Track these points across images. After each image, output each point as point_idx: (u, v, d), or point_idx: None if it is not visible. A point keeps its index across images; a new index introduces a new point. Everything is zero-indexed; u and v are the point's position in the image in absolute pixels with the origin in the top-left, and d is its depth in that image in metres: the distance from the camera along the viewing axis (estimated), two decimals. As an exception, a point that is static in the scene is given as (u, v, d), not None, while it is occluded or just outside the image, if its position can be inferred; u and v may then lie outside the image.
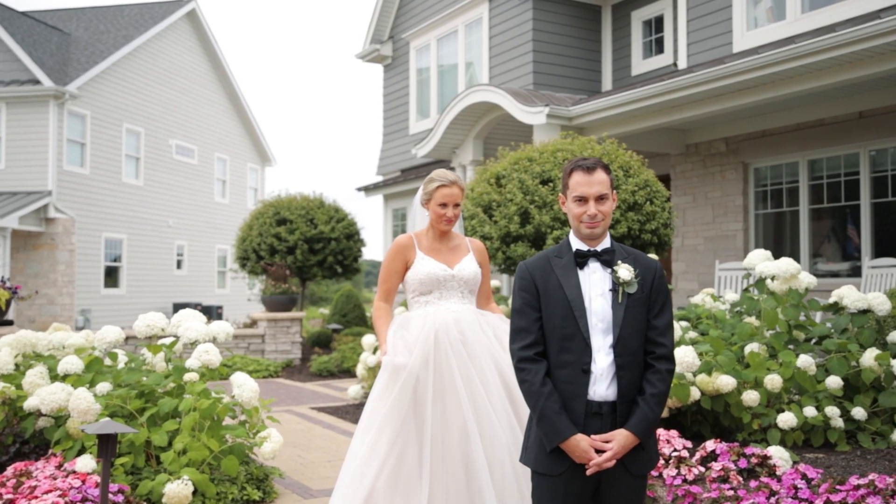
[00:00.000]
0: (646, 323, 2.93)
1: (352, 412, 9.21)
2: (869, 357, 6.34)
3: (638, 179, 8.44)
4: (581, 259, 3.00)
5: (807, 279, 6.89)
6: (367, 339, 9.89)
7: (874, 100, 10.35)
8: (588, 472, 2.86)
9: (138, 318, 5.99)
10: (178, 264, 27.03)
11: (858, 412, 6.19)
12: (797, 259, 11.24)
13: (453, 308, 4.03)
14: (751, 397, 6.07)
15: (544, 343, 2.97)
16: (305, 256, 15.50)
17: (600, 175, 3.00)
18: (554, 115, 11.43)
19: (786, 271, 6.76)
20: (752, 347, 6.54)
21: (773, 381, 6.14)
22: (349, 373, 12.53)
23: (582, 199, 2.99)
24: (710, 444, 5.72)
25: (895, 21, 7.94)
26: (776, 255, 11.84)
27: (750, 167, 12.12)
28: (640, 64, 14.40)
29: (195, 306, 24.88)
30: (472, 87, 12.85)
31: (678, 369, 6.20)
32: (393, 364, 3.81)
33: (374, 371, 9.64)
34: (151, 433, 5.36)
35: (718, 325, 7.01)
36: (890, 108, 10.21)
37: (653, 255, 7.71)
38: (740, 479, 5.35)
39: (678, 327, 6.74)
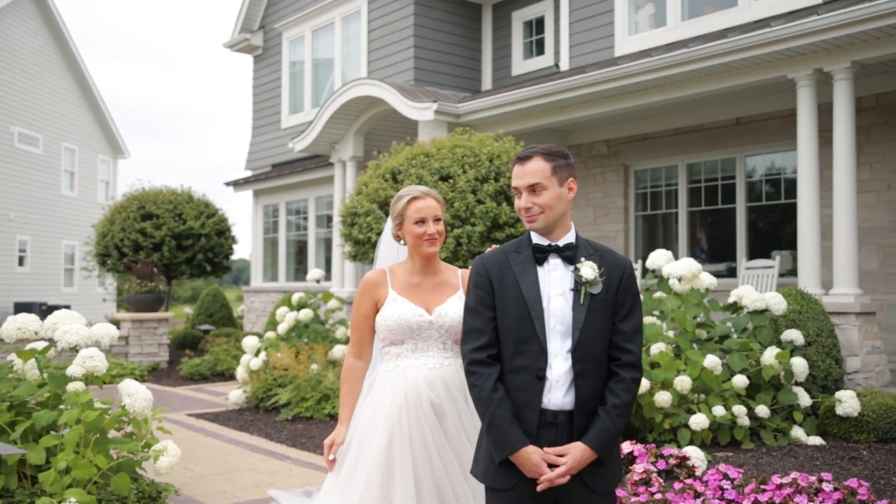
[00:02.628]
0: (611, 327, 2.65)
1: (234, 418, 8.66)
2: (769, 355, 6.46)
3: (536, 178, 8.34)
4: (540, 254, 2.71)
5: (707, 279, 6.98)
6: (249, 341, 9.35)
7: (750, 107, 10.72)
8: (538, 488, 2.60)
9: (6, 321, 5.32)
10: (21, 261, 25.12)
11: (762, 410, 6.29)
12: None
13: (430, 364, 3.24)
14: (663, 398, 6.05)
15: (499, 345, 2.70)
16: (173, 253, 14.62)
17: (534, 164, 2.70)
18: (442, 111, 11.22)
19: (689, 271, 6.81)
20: (659, 347, 6.53)
21: (683, 382, 6.14)
22: (223, 376, 11.88)
23: (517, 191, 2.75)
24: (627, 446, 5.64)
25: (771, 33, 8.17)
26: (656, 256, 12.12)
27: (630, 169, 12.34)
28: (521, 64, 14.42)
29: (40, 306, 23.16)
30: (356, 80, 12.47)
31: (593, 370, 6.09)
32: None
33: (256, 374, 9.13)
34: (27, 450, 4.72)
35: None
36: (765, 115, 10.61)
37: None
38: (661, 480, 5.29)
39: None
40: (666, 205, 11.93)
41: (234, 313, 18.27)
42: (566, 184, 2.72)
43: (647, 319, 6.95)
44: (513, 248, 2.78)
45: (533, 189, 2.69)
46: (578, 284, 2.65)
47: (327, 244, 16.13)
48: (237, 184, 17.69)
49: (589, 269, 2.65)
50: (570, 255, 2.70)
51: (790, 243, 10.60)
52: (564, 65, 12.74)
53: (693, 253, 11.59)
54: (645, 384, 6.05)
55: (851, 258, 8.02)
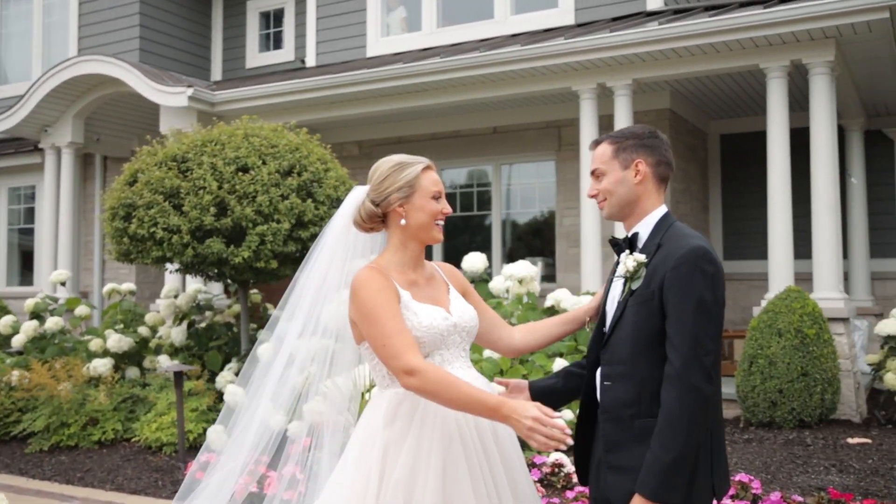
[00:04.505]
0: (656, 329, 2.33)
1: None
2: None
3: (337, 174, 7.83)
4: (614, 246, 2.58)
5: (538, 283, 7.02)
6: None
7: (507, 117, 11.06)
8: None
9: None
10: None
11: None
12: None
13: (466, 377, 2.50)
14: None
15: None
16: None
17: (598, 149, 2.58)
18: (198, 98, 10.15)
19: (528, 274, 6.81)
20: (495, 352, 6.39)
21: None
22: None
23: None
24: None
25: (562, 45, 8.50)
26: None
27: (383, 173, 12.14)
28: (257, 57, 13.62)
29: None
30: (83, 55, 10.90)
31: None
32: None
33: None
34: None
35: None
36: (522, 126, 11.00)
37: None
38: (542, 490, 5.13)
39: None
40: (420, 210, 11.90)
41: None
42: (632, 166, 2.48)
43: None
44: None
45: (595, 175, 2.57)
46: (624, 280, 2.46)
47: (23, 244, 13.88)
48: None
49: (623, 264, 2.46)
50: (628, 247, 2.53)
51: (543, 250, 11.09)
52: (311, 61, 12.26)
53: (446, 258, 11.69)
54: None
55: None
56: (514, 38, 10.48)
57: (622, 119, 8.58)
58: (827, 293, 7.54)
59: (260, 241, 7.04)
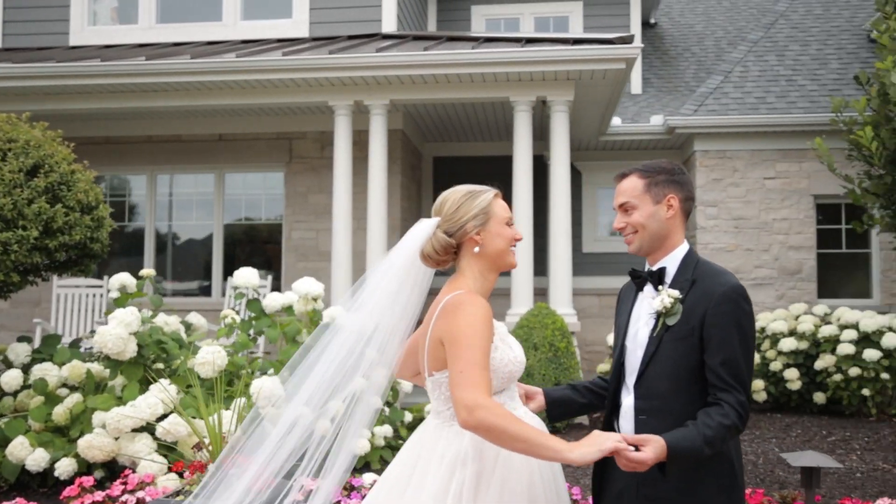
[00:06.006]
0: (696, 364, 2.43)
1: None
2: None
3: (85, 177, 6.98)
4: (636, 280, 2.64)
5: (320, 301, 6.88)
6: None
7: (234, 125, 10.62)
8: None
9: None
10: None
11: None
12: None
13: (522, 412, 2.52)
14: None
15: None
16: None
17: (626, 182, 2.60)
18: None
19: (308, 293, 6.63)
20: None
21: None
22: None
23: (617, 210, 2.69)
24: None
25: (282, 61, 8.44)
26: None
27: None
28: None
29: None
30: None
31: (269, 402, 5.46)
32: None
33: None
34: None
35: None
36: (250, 135, 10.63)
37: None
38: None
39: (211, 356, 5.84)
40: (130, 217, 10.96)
41: None
42: (664, 201, 2.55)
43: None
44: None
45: (624, 208, 2.60)
46: (658, 315, 2.53)
47: None
48: None
49: (659, 300, 2.51)
50: (653, 281, 2.58)
51: (267, 263, 10.80)
52: (-3, 42, 10.79)
53: (161, 270, 10.90)
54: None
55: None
56: (246, 44, 10.16)
57: (377, 137, 8.70)
58: (564, 309, 8.30)
59: (3, 250, 6.06)
